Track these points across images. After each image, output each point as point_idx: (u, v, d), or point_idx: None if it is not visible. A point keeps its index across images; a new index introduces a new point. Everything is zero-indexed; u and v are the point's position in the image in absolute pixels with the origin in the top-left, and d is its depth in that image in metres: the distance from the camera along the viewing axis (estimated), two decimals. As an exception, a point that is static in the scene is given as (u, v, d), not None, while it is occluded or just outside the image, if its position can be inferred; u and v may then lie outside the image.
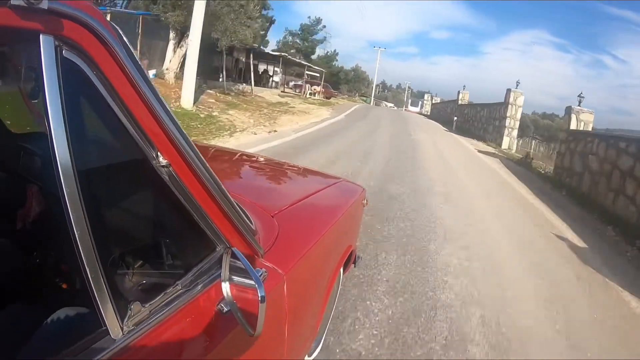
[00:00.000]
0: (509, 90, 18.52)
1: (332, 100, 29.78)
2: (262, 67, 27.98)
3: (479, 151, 14.40)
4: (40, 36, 0.56)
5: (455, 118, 24.49)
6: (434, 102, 43.33)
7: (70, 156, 0.58)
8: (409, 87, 79.25)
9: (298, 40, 47.62)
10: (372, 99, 52.37)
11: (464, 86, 29.09)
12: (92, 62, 0.63)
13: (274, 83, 29.34)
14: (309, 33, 47.50)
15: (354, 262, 2.35)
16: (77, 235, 0.58)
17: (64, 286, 1.07)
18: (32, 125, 1.36)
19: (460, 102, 27.59)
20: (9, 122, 1.36)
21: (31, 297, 1.04)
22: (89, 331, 0.63)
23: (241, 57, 21.69)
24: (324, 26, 48.13)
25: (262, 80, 24.85)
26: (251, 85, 19.20)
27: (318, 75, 35.79)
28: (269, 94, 20.29)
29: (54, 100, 0.58)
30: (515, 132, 18.48)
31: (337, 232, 1.73)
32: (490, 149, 16.04)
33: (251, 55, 19.49)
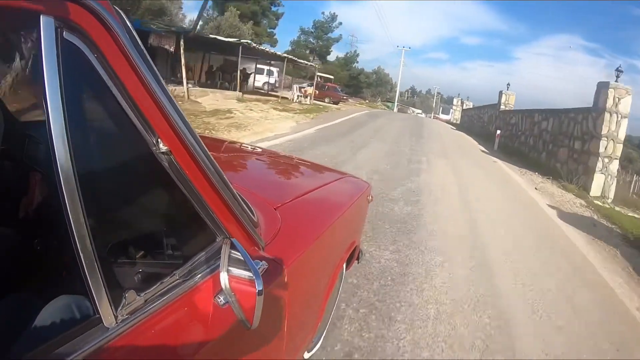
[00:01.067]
0: (603, 87, 9.69)
1: (337, 105, 25.08)
2: (257, 67, 23.72)
3: (559, 213, 6.59)
4: (41, 17, 0.55)
5: (499, 132, 15.56)
6: (465, 107, 32.71)
7: (67, 140, 0.57)
8: (437, 93, 72.48)
9: (312, 39, 43.79)
10: (396, 104, 46.09)
11: (508, 85, 18.73)
12: (93, 44, 0.61)
13: (267, 85, 24.42)
14: (323, 31, 43.40)
15: (357, 258, 2.34)
16: (72, 221, 0.57)
17: (64, 274, 1.06)
18: (38, 114, 1.35)
19: (503, 106, 18.52)
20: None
21: (31, 285, 1.04)
22: (84, 319, 0.63)
23: (167, 46, 16.48)
24: (340, 23, 44.23)
25: (234, 80, 17.79)
26: (184, 84, 13.62)
27: (329, 76, 32.55)
28: (219, 98, 14.75)
29: (52, 82, 0.57)
30: (614, 166, 9.60)
31: (341, 227, 1.72)
32: (572, 200, 8.19)
33: (182, 43, 13.67)
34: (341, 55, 47.30)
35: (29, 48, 0.93)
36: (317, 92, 23.38)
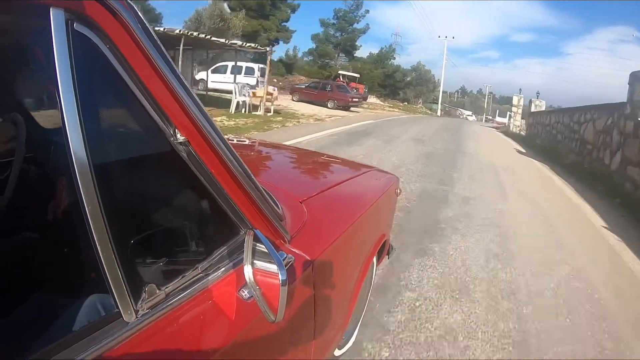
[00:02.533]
0: None
1: (346, 111, 18.44)
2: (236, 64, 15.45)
3: None
4: (51, 9, 0.54)
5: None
6: (535, 109, 18.78)
7: (82, 134, 0.56)
8: (490, 92, 63.74)
9: (335, 33, 36.37)
10: (440, 106, 39.45)
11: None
12: (105, 35, 0.60)
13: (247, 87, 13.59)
14: (346, 21, 35.45)
15: (388, 254, 2.28)
16: (88, 215, 0.56)
17: (92, 276, 1.07)
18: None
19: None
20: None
21: (59, 286, 1.05)
22: (105, 315, 0.62)
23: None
24: (367, 11, 36.03)
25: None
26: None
27: (354, 74, 27.96)
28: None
29: (64, 75, 0.55)
30: None
31: (369, 220, 1.67)
32: None
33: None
34: (375, 51, 40.35)
35: (40, 43, 0.94)
36: (274, 92, 14.55)
